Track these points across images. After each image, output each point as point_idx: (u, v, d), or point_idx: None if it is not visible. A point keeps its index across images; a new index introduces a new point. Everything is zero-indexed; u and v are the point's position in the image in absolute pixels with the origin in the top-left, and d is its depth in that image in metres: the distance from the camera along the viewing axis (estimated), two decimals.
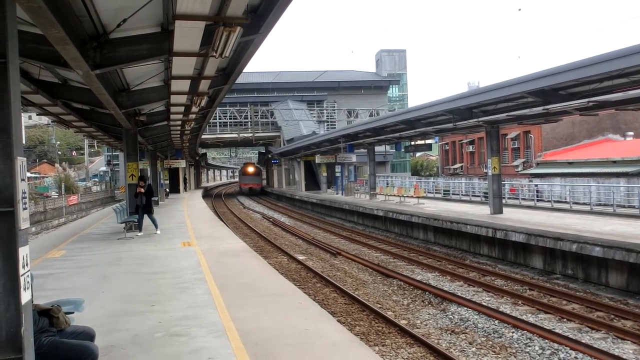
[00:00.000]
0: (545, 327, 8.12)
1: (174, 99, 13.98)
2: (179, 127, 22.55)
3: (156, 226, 15.18)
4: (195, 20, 7.42)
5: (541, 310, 9.17)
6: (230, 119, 56.92)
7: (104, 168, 73.35)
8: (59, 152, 72.90)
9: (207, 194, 53.58)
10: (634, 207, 19.63)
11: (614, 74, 12.25)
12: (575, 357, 6.91)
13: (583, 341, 7.44)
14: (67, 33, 6.80)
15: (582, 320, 8.48)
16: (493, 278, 11.99)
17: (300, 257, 15.11)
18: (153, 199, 27.95)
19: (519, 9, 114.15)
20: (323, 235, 20.93)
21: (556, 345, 7.32)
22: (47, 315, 3.65)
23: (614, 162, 27.69)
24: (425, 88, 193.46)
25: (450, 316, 9.05)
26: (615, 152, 30.25)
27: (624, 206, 20.31)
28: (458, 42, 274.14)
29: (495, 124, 18.38)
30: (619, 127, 37.31)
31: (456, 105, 18.43)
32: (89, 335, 3.86)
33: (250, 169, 59.71)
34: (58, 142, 70.58)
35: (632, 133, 35.96)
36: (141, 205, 14.98)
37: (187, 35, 8.08)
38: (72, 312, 3.98)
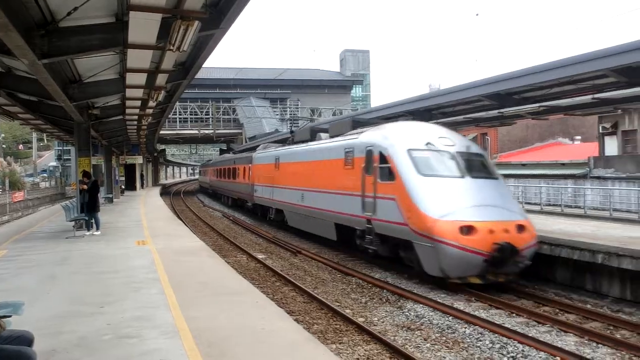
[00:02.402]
0: (495, 322, 8.35)
1: (129, 92, 13.58)
2: (135, 122, 21.95)
3: (98, 226, 14.67)
4: (151, 11, 7.22)
5: (492, 306, 9.43)
6: (191, 114, 55.89)
7: (54, 163, 70.58)
8: (4, 146, 69.55)
9: (166, 192, 52.36)
10: (580, 207, 20.55)
11: (563, 80, 12.77)
12: (522, 350, 7.14)
13: (530, 334, 7.71)
14: (9, 18, 6.45)
15: (530, 315, 8.79)
16: None
17: (260, 256, 14.98)
18: (107, 196, 27.33)
19: (477, 14, 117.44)
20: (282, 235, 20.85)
21: (505, 339, 7.55)
22: None
23: (563, 164, 28.88)
24: (388, 88, 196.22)
25: (407, 313, 9.18)
26: (564, 155, 31.58)
27: (570, 206, 21.21)
28: (420, 45, 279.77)
29: (453, 125, 18.81)
30: (568, 131, 39.07)
31: (416, 106, 18.79)
32: (27, 340, 3.66)
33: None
34: (2, 135, 67.30)
35: (579, 137, 37.73)
36: (85, 203, 14.46)
37: (142, 27, 7.86)
38: (10, 316, 3.75)
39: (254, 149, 30.63)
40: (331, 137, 16.35)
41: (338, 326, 8.39)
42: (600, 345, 7.28)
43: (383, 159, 11.88)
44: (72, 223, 14.71)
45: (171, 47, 8.61)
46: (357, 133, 14.14)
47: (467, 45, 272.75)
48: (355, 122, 15.72)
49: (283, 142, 27.28)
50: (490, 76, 15.20)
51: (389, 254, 12.36)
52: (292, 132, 23.33)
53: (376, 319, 8.94)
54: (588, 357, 6.83)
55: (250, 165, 25.67)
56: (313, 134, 18.38)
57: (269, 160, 22.13)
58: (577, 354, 6.91)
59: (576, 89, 13.47)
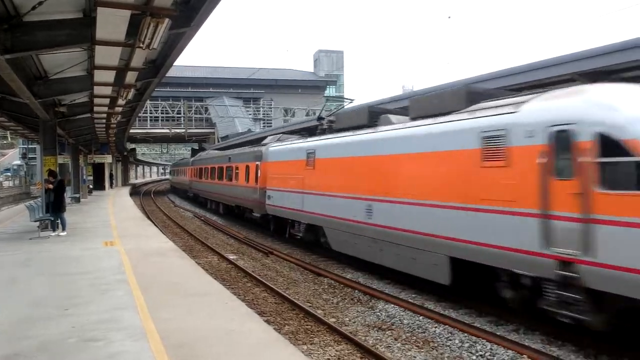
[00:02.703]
0: (465, 321, 8.49)
1: (97, 90, 13.28)
2: (104, 120, 21.47)
3: (64, 227, 14.31)
4: (120, 7, 7.08)
5: (462, 306, 9.57)
6: (162, 113, 54.97)
7: (18, 162, 68.40)
8: None
9: (136, 192, 51.38)
10: None
11: (533, 84, 13.08)
12: (491, 349, 7.27)
13: (498, 333, 7.86)
14: None
15: (498, 314, 8.95)
16: None
17: (232, 257, 14.85)
18: (74, 196, 26.65)
19: (449, 17, 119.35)
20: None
21: (474, 339, 7.68)
22: None
23: None
24: (362, 89, 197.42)
25: (378, 313, 9.24)
26: None
27: None
28: (394, 46, 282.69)
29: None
30: None
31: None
32: None
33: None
34: None
35: None
36: (50, 203, 14.09)
37: (111, 24, 7.69)
38: None
39: (256, 142, 25.42)
40: (413, 119, 10.83)
41: (309, 327, 8.39)
42: (566, 343, 7.47)
43: (612, 147, 6.43)
44: (37, 223, 14.31)
45: (141, 45, 8.46)
46: (508, 105, 8.34)
47: (439, 48, 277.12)
48: (472, 94, 9.69)
49: (306, 132, 21.95)
50: (461, 79, 15.45)
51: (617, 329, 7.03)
52: (321, 118, 16.64)
53: (348, 319, 8.97)
54: (554, 354, 7.01)
55: (258, 163, 19.72)
56: (373, 117, 12.45)
57: (294, 155, 15.99)
58: (543, 351, 7.09)
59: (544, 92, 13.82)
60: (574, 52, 11.75)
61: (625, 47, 10.18)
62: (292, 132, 23.20)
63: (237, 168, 23.05)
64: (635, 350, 6.75)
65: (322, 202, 13.68)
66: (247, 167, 21.22)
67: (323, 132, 15.83)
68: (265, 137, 23.83)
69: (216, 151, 34.62)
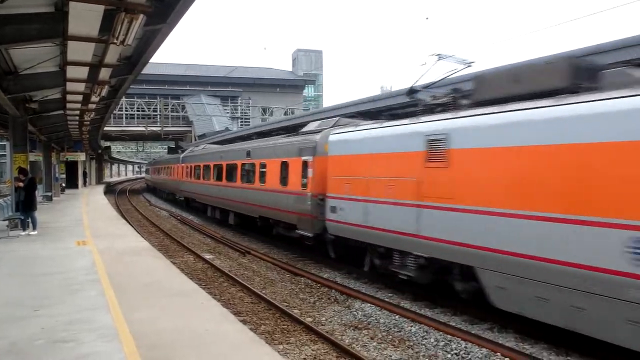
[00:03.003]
0: (440, 320, 8.59)
1: (70, 86, 12.98)
2: (77, 117, 21.03)
3: (34, 226, 13.99)
4: (93, 2, 6.94)
5: (437, 305, 9.67)
6: (138, 111, 54.18)
7: None
8: None
9: (110, 190, 50.43)
10: None
11: None
12: (465, 347, 7.37)
13: (473, 332, 7.97)
14: None
15: (473, 313, 9.07)
16: None
17: (208, 256, 14.71)
18: (46, 194, 26.03)
19: (427, 18, 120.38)
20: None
21: (449, 337, 7.77)
22: None
23: None
24: (341, 89, 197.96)
25: (355, 313, 9.27)
26: None
27: None
28: (372, 47, 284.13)
29: None
30: None
31: (367, 107, 19.06)
32: None
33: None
34: None
35: None
36: (20, 201, 13.76)
37: (83, 19, 7.52)
38: None
39: (285, 131, 20.34)
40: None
41: (286, 326, 8.36)
42: (539, 341, 7.62)
43: None
44: (6, 222, 13.96)
45: (115, 41, 8.30)
46: None
47: (417, 49, 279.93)
48: None
49: (369, 115, 17.38)
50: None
51: None
52: (414, 91, 11.36)
53: (324, 318, 8.98)
54: (526, 352, 7.14)
55: (308, 158, 13.66)
56: (582, 75, 7.27)
57: (393, 145, 10.07)
58: (516, 349, 7.21)
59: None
60: (550, 55, 12.01)
61: (599, 50, 10.45)
62: (352, 116, 17.48)
63: (263, 166, 17.29)
64: (603, 349, 6.93)
65: (471, 224, 8.00)
66: (285, 165, 15.30)
67: (430, 110, 10.05)
68: (303, 124, 18.97)
69: (216, 145, 29.29)
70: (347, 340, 7.78)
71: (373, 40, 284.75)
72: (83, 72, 11.49)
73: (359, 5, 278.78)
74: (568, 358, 6.94)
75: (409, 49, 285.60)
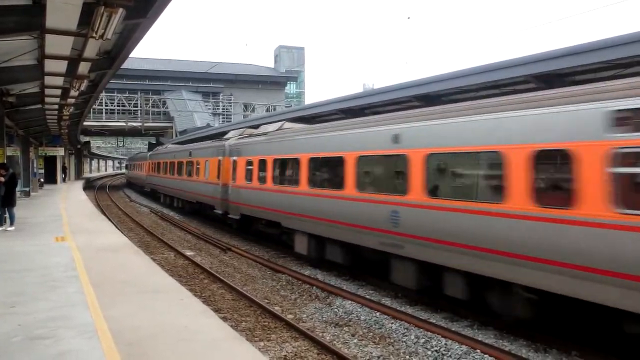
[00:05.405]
0: (421, 317, 8.68)
1: (48, 80, 12.74)
2: (56, 112, 20.62)
3: (12, 221, 13.72)
4: None
5: (419, 302, 9.77)
6: (118, 106, 53.33)
7: None
8: None
9: (90, 186, 49.64)
10: None
11: (489, 84, 13.46)
12: (446, 344, 7.47)
13: (453, 329, 8.07)
14: None
15: (453, 311, 9.20)
16: None
17: (189, 253, 14.60)
18: (24, 189, 25.47)
19: (408, 17, 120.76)
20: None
21: (430, 334, 7.86)
22: None
23: None
24: (323, 86, 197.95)
25: (336, 310, 9.31)
26: None
27: None
28: (354, 45, 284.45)
29: None
30: None
31: (350, 105, 19.05)
32: None
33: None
34: None
35: None
36: (0, 197, 13.45)
37: (61, 12, 7.37)
38: None
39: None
40: None
41: (267, 323, 8.36)
42: (518, 338, 7.75)
43: None
44: None
45: (94, 35, 8.16)
46: None
47: (399, 47, 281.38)
48: None
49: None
50: (419, 78, 15.71)
51: None
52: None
53: (305, 315, 9.00)
54: (506, 349, 7.26)
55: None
56: None
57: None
58: (495, 346, 7.33)
59: (500, 93, 14.24)
60: (528, 55, 12.17)
61: (574, 51, 10.65)
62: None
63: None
64: (583, 345, 7.10)
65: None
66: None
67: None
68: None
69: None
70: (328, 337, 7.82)
71: (355, 38, 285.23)
72: (62, 66, 11.28)
73: (342, 3, 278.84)
74: (546, 354, 7.08)
75: (391, 47, 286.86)
